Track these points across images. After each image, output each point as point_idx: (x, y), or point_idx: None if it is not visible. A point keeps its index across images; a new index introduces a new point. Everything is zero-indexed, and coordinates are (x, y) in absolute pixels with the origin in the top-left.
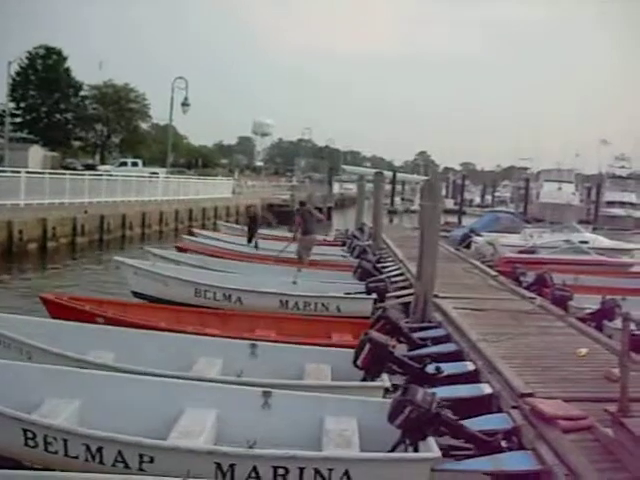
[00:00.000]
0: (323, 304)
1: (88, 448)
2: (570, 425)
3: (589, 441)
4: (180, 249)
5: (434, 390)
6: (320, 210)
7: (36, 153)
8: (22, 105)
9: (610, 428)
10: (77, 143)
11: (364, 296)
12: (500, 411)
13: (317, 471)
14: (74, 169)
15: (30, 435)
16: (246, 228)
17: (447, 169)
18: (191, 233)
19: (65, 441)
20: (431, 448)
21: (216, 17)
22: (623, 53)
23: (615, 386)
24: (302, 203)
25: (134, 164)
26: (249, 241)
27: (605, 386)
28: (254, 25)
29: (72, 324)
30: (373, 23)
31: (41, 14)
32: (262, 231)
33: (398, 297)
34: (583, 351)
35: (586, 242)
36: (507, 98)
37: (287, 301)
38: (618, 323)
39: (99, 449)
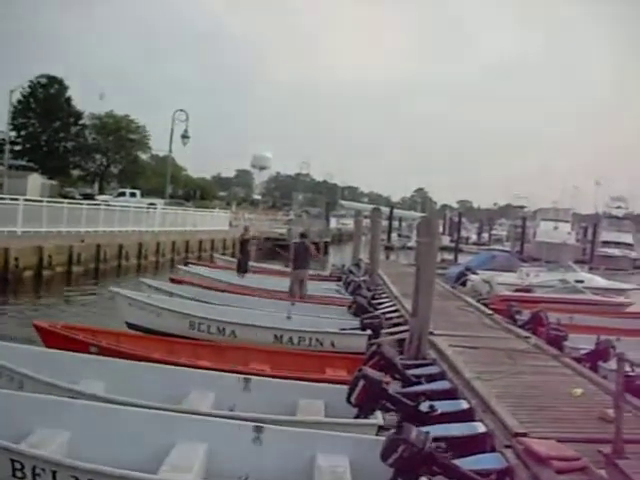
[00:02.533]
0: (317, 339)
1: None
2: (564, 466)
3: None
4: (174, 281)
5: (427, 429)
6: (317, 245)
7: (35, 181)
8: (22, 133)
9: (604, 469)
10: (76, 172)
11: (359, 332)
12: (493, 450)
13: None
14: (72, 198)
15: (18, 466)
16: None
17: (444, 206)
18: (187, 265)
19: (54, 473)
20: None
21: (217, 50)
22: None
23: (610, 427)
24: (303, 235)
25: (132, 194)
26: (239, 269)
27: (599, 427)
28: (254, 57)
29: (65, 353)
30: (372, 58)
31: (45, 44)
32: (256, 264)
33: (393, 333)
34: (578, 391)
35: (582, 281)
36: (505, 134)
37: (282, 335)
38: (613, 364)
39: None
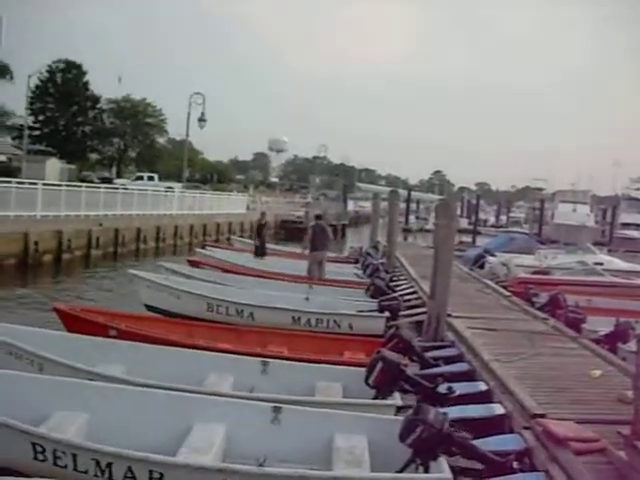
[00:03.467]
0: (335, 321)
1: (98, 463)
2: (583, 447)
3: (602, 464)
4: (193, 264)
5: (446, 410)
6: (334, 227)
7: (53, 166)
8: (40, 118)
9: (623, 451)
10: (94, 156)
11: (377, 314)
12: (512, 432)
13: None
14: (90, 182)
15: (39, 449)
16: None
17: (462, 188)
18: (204, 248)
19: (74, 456)
20: (442, 469)
21: (233, 34)
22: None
23: (628, 409)
24: (318, 217)
25: (150, 178)
26: (257, 253)
27: (618, 408)
28: (272, 41)
29: (84, 337)
30: (389, 40)
31: (62, 28)
32: (273, 247)
33: (411, 316)
34: (597, 373)
35: (600, 264)
36: (523, 119)
37: (299, 317)
38: (632, 345)
39: (108, 464)
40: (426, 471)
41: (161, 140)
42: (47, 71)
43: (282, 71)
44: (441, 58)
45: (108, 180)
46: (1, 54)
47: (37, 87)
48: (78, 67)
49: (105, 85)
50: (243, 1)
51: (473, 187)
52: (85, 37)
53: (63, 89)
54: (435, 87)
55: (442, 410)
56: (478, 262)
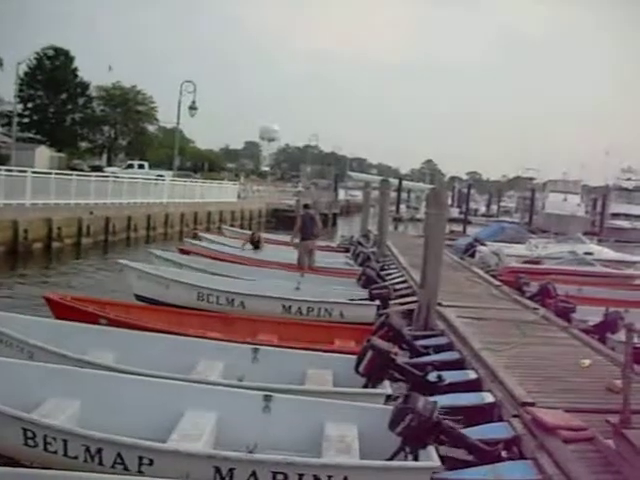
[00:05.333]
0: (326, 310)
1: (88, 449)
2: (571, 435)
3: (590, 452)
4: (183, 252)
5: (435, 398)
6: (325, 216)
7: (43, 153)
8: (29, 105)
9: (611, 440)
10: (84, 144)
11: (367, 302)
12: (501, 420)
13: (316, 477)
14: (81, 170)
15: (30, 435)
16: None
17: (453, 178)
18: (196, 236)
19: (65, 441)
20: (431, 457)
21: (224, 22)
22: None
23: (617, 398)
24: (306, 206)
25: (140, 166)
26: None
27: (607, 397)
28: (261, 30)
29: (74, 324)
30: (379, 30)
31: (50, 16)
32: (265, 235)
33: (401, 304)
34: (586, 362)
35: (591, 254)
36: (513, 108)
37: (290, 306)
38: (621, 335)
39: (98, 450)
40: (415, 459)
41: (151, 128)
42: (35, 58)
43: (274, 63)
44: (435, 43)
45: (98, 168)
46: None
47: (25, 74)
48: (66, 54)
49: (94, 73)
50: None
51: (464, 176)
52: (74, 25)
53: (52, 76)
54: (428, 72)
55: (431, 399)
56: (469, 251)
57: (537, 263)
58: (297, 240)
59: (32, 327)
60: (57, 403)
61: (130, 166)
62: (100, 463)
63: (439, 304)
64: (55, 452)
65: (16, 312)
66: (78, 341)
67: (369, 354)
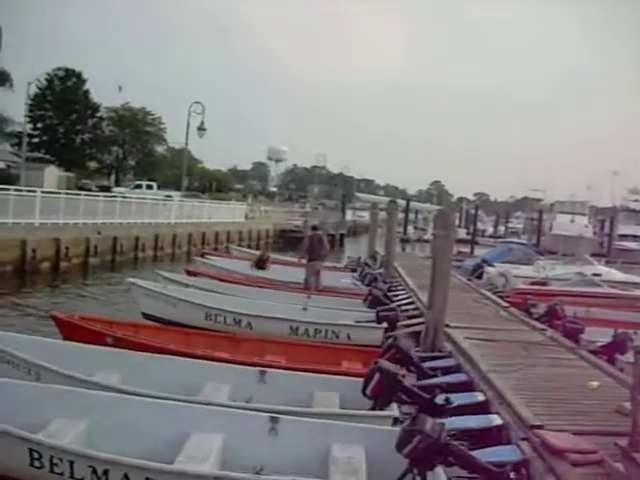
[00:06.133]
0: (333, 331)
1: (94, 470)
2: (580, 459)
3: (599, 475)
4: (190, 273)
5: (443, 420)
6: (332, 237)
7: (52, 173)
8: (39, 126)
9: (620, 463)
10: (93, 164)
11: (375, 325)
12: (509, 443)
13: None
14: (89, 190)
15: (36, 455)
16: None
17: (460, 199)
18: (203, 256)
19: (71, 462)
20: (439, 479)
21: (234, 45)
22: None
23: (626, 420)
24: (315, 227)
25: (149, 187)
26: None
27: (616, 420)
28: (271, 53)
29: (81, 345)
30: (388, 54)
31: (62, 37)
32: (273, 255)
33: (409, 326)
34: (594, 384)
35: (599, 275)
36: (520, 130)
37: (297, 327)
38: (630, 356)
39: (105, 471)
40: None
41: (160, 149)
42: (46, 79)
43: (282, 79)
44: (440, 66)
45: (107, 188)
46: (1, 62)
47: (36, 95)
48: (78, 75)
49: (105, 93)
50: (243, 10)
51: (471, 197)
52: (86, 45)
53: (62, 97)
54: (434, 95)
55: (439, 421)
56: (476, 272)
57: (545, 284)
58: (304, 261)
59: (39, 348)
60: (63, 424)
61: (138, 186)
62: None
63: (447, 325)
64: (62, 473)
65: (23, 331)
66: (85, 362)
67: (376, 376)
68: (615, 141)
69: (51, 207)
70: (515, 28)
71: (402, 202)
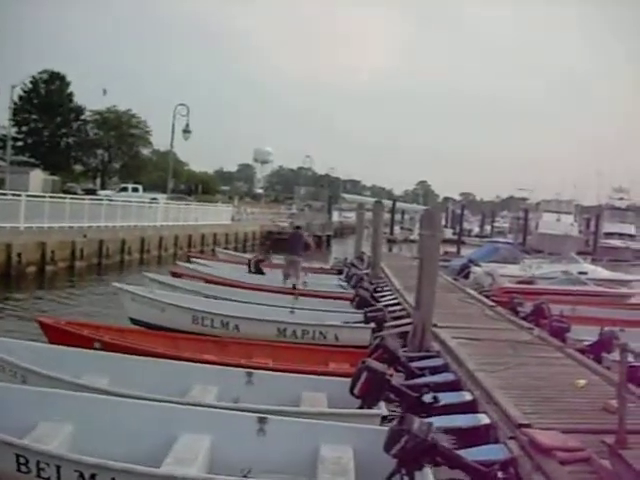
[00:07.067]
0: (321, 332)
1: (81, 475)
2: (567, 457)
3: (586, 473)
4: (175, 275)
5: (431, 420)
6: (319, 238)
7: (37, 177)
8: (24, 129)
9: (608, 460)
10: (78, 167)
11: (362, 325)
12: (497, 442)
13: None
14: (74, 193)
15: (23, 460)
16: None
17: (446, 199)
18: (189, 260)
19: (58, 467)
20: (427, 479)
21: (218, 48)
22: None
23: (613, 418)
24: (297, 227)
25: (134, 189)
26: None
27: (603, 418)
28: (257, 53)
29: (67, 349)
30: (371, 55)
31: (46, 41)
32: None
33: (396, 326)
34: (581, 382)
35: (584, 273)
36: (516, 131)
37: (285, 329)
38: (616, 355)
39: (92, 476)
40: None
41: (145, 151)
42: (31, 82)
43: (269, 86)
44: (426, 66)
45: (92, 191)
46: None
47: (20, 98)
48: (62, 78)
49: (89, 98)
50: (235, 12)
51: (457, 197)
52: (71, 47)
53: (47, 100)
54: (420, 95)
55: (427, 420)
56: (463, 272)
57: (531, 283)
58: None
59: (25, 351)
60: (50, 427)
61: (124, 189)
62: None
63: (434, 325)
64: (48, 478)
65: (8, 336)
66: (72, 365)
67: (364, 375)
68: (615, 141)
69: (36, 211)
70: (514, 28)
71: (388, 202)
